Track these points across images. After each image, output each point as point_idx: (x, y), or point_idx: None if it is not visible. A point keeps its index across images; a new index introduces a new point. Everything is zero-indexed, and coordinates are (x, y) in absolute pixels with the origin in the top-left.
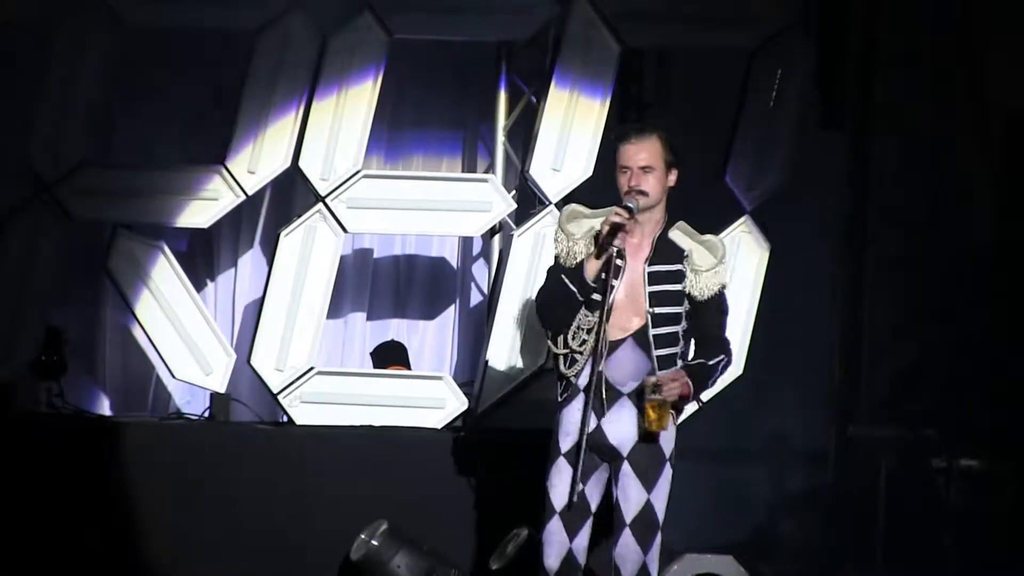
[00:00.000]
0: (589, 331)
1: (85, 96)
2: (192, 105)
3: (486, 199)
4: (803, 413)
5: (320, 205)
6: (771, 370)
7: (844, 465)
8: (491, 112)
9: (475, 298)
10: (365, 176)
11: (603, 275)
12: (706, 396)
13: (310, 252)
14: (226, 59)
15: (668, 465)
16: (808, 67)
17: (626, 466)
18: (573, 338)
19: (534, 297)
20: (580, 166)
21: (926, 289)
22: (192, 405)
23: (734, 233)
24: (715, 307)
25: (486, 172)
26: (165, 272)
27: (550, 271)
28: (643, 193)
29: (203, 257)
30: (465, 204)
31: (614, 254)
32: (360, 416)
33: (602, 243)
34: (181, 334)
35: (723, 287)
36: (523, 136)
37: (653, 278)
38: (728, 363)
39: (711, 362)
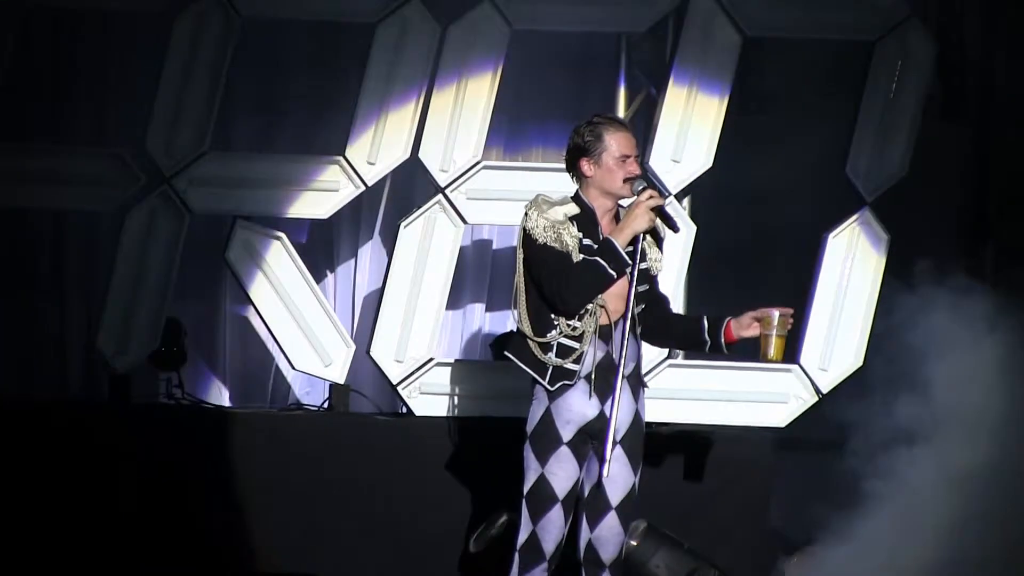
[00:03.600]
0: (581, 317)
1: (203, 87)
2: (311, 96)
3: None
4: None
5: (440, 196)
6: (888, 361)
7: None
8: (611, 104)
9: None
10: (485, 167)
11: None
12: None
13: (430, 243)
14: (344, 50)
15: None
16: (928, 58)
17: (618, 450)
18: (568, 325)
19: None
20: (700, 157)
21: None
22: (311, 396)
23: (854, 225)
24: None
25: None
26: (284, 263)
27: (552, 255)
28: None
29: (322, 248)
30: None
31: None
32: (478, 407)
33: (660, 222)
34: (300, 325)
35: None
36: (643, 128)
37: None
38: None
39: None
